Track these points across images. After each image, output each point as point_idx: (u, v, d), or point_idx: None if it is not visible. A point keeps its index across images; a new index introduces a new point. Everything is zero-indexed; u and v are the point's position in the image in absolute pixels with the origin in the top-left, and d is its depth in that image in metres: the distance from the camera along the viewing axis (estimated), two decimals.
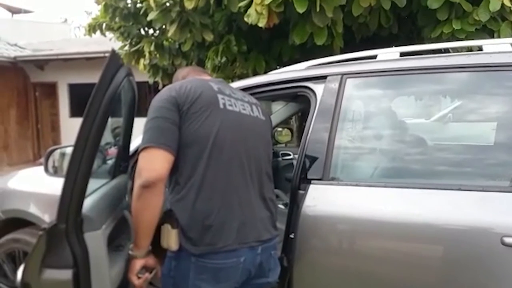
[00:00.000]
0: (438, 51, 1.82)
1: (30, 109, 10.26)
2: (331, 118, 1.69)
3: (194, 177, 1.27)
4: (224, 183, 1.30)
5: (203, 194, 1.27)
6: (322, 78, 1.80)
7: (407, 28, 3.61)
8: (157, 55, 4.73)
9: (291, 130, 4.67)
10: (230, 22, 3.94)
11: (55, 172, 1.96)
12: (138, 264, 1.31)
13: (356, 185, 1.61)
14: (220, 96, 1.37)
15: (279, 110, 3.05)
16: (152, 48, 4.56)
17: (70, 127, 9.43)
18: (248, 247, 1.31)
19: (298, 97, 1.95)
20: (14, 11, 14.76)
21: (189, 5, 3.18)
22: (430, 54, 1.75)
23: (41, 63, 9.83)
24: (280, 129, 4.18)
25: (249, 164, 1.37)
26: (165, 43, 4.78)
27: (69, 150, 2.04)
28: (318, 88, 1.79)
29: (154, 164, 1.23)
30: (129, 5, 4.60)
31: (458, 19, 2.90)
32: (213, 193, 1.28)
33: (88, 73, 8.25)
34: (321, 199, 1.61)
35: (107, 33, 5.53)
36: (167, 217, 1.29)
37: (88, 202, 1.27)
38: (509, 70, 1.50)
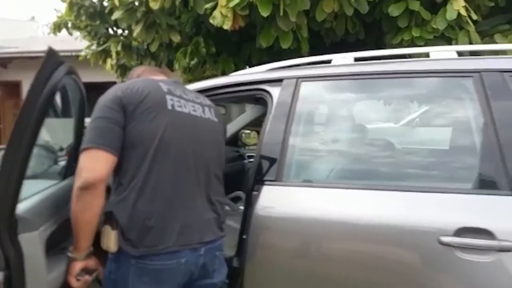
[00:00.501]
0: (394, 56, 1.87)
1: None
2: (285, 120, 1.71)
3: (136, 177, 1.25)
4: (168, 184, 1.28)
5: (145, 195, 1.25)
6: (278, 81, 1.82)
7: (374, 34, 3.69)
8: (125, 56, 4.66)
9: (258, 132, 4.68)
10: (198, 23, 3.93)
11: None
12: (77, 266, 1.28)
13: (309, 186, 1.63)
14: (169, 97, 1.36)
15: (246, 112, 3.06)
16: (119, 48, 4.49)
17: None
18: (190, 249, 1.30)
19: (259, 99, 1.97)
20: None
21: (154, 5, 3.16)
22: (384, 59, 1.80)
23: (4, 61, 9.52)
24: (247, 131, 4.19)
25: (197, 166, 1.37)
26: (133, 43, 4.72)
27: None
28: (275, 91, 1.81)
29: (94, 164, 1.20)
30: (96, 3, 4.52)
31: (417, 27, 3.00)
32: (156, 194, 1.26)
33: None
34: (273, 200, 1.62)
35: (73, 31, 5.43)
36: (107, 218, 1.26)
37: (26, 203, 1.23)
38: (452, 77, 1.57)
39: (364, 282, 1.45)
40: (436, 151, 1.60)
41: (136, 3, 3.52)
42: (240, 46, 4.16)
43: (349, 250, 1.50)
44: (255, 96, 1.92)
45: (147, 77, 1.53)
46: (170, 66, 4.61)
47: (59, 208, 1.41)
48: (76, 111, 1.70)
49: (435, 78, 1.60)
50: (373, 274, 1.45)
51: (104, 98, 1.30)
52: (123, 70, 5.14)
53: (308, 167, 1.77)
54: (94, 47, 5.21)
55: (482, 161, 1.44)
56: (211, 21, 2.92)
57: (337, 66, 1.78)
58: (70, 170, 1.87)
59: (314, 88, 1.80)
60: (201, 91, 1.97)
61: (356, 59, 1.85)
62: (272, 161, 1.69)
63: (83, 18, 4.49)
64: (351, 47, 3.39)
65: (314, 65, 1.86)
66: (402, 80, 1.64)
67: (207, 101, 1.58)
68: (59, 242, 1.43)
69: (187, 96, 1.46)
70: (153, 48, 3.83)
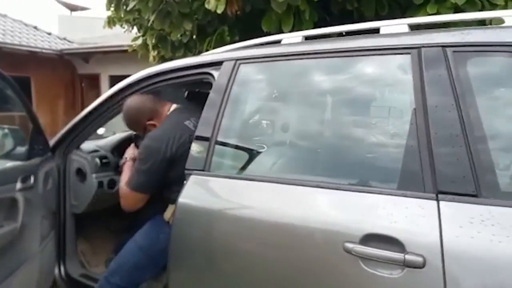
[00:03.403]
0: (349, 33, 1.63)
1: (76, 99, 10.96)
2: (218, 107, 1.58)
3: None
4: None
5: None
6: (219, 64, 1.69)
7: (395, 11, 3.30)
8: (161, 48, 4.77)
9: None
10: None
11: None
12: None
13: (229, 177, 1.49)
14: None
15: None
16: (154, 41, 4.60)
17: None
18: None
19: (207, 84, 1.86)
20: (72, 8, 15.78)
21: None
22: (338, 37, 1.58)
23: (86, 56, 10.44)
24: None
25: None
26: (172, 35, 4.81)
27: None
28: (216, 74, 1.69)
29: (132, 205, 1.84)
30: None
31: (436, 3, 2.60)
32: None
33: (125, 65, 8.61)
34: (193, 190, 1.51)
35: (125, 25, 5.71)
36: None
37: None
38: (389, 54, 1.30)
39: (265, 282, 1.29)
40: (361, 143, 1.35)
41: None
42: (268, 34, 4.01)
43: (253, 246, 1.34)
44: (202, 80, 1.81)
45: (172, 115, 1.93)
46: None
47: None
48: (18, 103, 1.76)
49: (371, 56, 1.34)
50: (275, 275, 1.27)
51: (151, 148, 1.76)
52: (164, 62, 5.27)
53: (234, 157, 1.62)
54: (140, 40, 5.43)
55: (406, 157, 1.18)
56: (206, 6, 2.84)
57: (275, 46, 1.60)
58: (32, 152, 1.97)
59: (252, 70, 1.63)
60: (150, 77, 1.93)
61: (307, 38, 1.64)
62: (202, 150, 1.58)
63: (122, 13, 4.66)
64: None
65: (255, 46, 1.69)
66: (335, 60, 1.41)
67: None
68: None
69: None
70: (173, 37, 3.86)
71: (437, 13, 2.55)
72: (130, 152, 2.07)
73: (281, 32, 3.05)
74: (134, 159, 1.97)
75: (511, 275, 0.94)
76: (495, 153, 1.08)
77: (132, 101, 1.94)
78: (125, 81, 2.02)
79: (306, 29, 3.00)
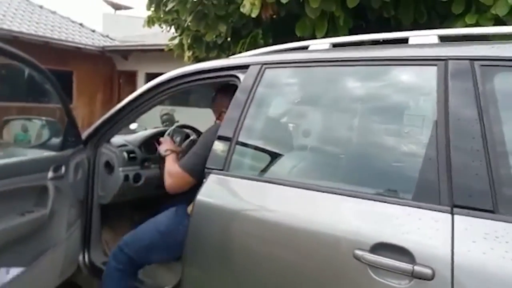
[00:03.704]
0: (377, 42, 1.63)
1: (114, 94, 11.35)
2: (241, 109, 1.62)
3: None
4: None
5: None
6: (246, 67, 1.72)
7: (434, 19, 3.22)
8: (196, 48, 4.87)
9: None
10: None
11: None
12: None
13: (248, 178, 1.52)
14: None
15: None
16: (189, 41, 4.71)
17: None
18: None
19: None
20: (116, 7, 16.36)
21: None
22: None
23: (125, 54, 10.81)
24: None
25: None
26: (207, 36, 4.91)
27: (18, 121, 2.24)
28: (242, 77, 1.72)
29: (179, 186, 1.85)
30: None
31: (476, 13, 2.53)
32: None
33: (161, 64, 8.84)
34: (212, 189, 1.55)
35: (164, 25, 5.87)
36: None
37: None
38: (415, 65, 1.29)
39: (274, 284, 1.31)
40: (380, 152, 1.34)
41: None
42: (301, 39, 4.03)
43: (264, 250, 1.36)
44: (229, 82, 1.85)
45: None
46: None
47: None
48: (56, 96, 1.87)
49: (397, 66, 1.34)
50: (284, 277, 1.29)
51: (207, 138, 1.78)
52: (198, 62, 5.38)
53: (253, 159, 1.65)
54: (177, 40, 5.57)
55: (424, 168, 1.17)
56: (241, 9, 2.89)
57: (301, 52, 1.62)
58: (66, 143, 2.08)
59: (277, 75, 1.66)
60: (180, 77, 1.99)
61: (335, 45, 1.65)
62: (223, 150, 1.61)
63: (161, 13, 4.79)
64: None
65: (282, 51, 1.71)
66: (360, 68, 1.41)
67: None
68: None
69: None
70: (208, 38, 3.95)
71: (477, 23, 2.48)
72: (170, 145, 2.11)
73: (315, 37, 3.07)
74: (176, 152, 2.05)
75: None
76: None
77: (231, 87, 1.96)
78: (157, 79, 2.09)
79: (341, 36, 3.01)
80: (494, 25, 2.45)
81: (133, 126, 2.95)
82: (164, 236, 1.89)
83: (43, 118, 2.09)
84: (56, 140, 2.11)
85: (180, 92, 2.06)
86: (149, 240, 1.91)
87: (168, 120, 2.87)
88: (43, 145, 2.08)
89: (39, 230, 1.75)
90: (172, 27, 5.58)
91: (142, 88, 2.16)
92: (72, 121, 2.06)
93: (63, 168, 1.93)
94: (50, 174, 1.83)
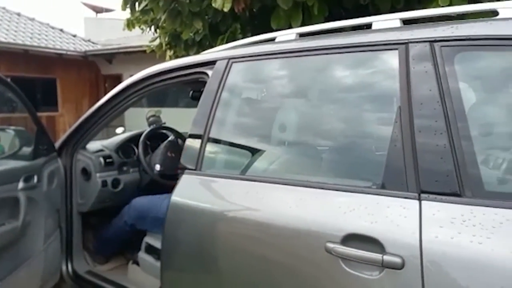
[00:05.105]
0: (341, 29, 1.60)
1: (100, 99, 11.21)
2: (210, 106, 1.58)
3: None
4: None
5: None
6: (213, 63, 1.69)
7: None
8: (175, 46, 4.80)
9: None
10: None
11: None
12: None
13: (218, 177, 1.49)
14: None
15: None
16: (167, 39, 4.65)
17: (133, 115, 10.18)
18: None
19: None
20: (97, 10, 16.16)
21: None
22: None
23: (108, 57, 10.69)
24: None
25: None
26: (183, 34, 4.84)
27: None
28: (210, 74, 1.69)
29: None
30: None
31: None
32: None
33: (145, 65, 8.73)
34: (184, 188, 1.52)
35: (144, 27, 5.79)
36: None
37: None
38: (376, 50, 1.27)
39: (249, 280, 1.28)
40: (345, 141, 1.31)
41: None
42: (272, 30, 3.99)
43: (236, 245, 1.34)
44: (198, 79, 1.81)
45: None
46: None
47: None
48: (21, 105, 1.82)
49: (361, 52, 1.30)
50: (259, 273, 1.27)
51: None
52: None
53: (226, 156, 1.62)
54: (157, 41, 5.50)
55: (389, 156, 1.14)
56: (213, 4, 2.84)
57: (267, 44, 1.58)
58: (38, 152, 2.03)
59: (244, 69, 1.62)
60: (149, 77, 1.95)
61: (301, 35, 1.62)
62: (195, 148, 1.58)
63: (137, 13, 4.71)
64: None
65: (247, 44, 1.68)
66: (325, 57, 1.38)
67: None
68: None
69: None
70: (185, 36, 3.88)
71: (450, 4, 2.45)
72: None
73: (291, 28, 3.03)
74: None
75: (489, 277, 0.90)
76: (480, 152, 1.04)
77: None
78: (125, 82, 2.06)
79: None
80: (469, 3, 2.43)
81: (119, 130, 2.91)
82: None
83: (11, 127, 2.04)
84: (27, 150, 2.06)
85: (151, 92, 2.03)
86: (155, 212, 2.08)
87: (155, 122, 2.84)
88: (14, 156, 2.03)
89: (12, 243, 1.71)
90: (152, 27, 5.51)
91: (110, 92, 2.13)
92: (42, 129, 2.01)
93: (35, 178, 1.88)
94: (21, 184, 1.78)
